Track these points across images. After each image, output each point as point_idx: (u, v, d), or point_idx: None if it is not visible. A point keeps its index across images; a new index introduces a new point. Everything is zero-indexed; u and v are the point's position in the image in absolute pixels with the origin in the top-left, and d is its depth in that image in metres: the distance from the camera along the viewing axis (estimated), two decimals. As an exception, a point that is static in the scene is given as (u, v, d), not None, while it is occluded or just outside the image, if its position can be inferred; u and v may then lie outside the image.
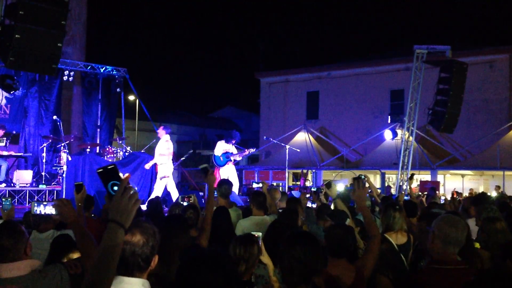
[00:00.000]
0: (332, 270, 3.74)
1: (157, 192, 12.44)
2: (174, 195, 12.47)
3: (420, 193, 12.36)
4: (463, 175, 23.43)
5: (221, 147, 13.59)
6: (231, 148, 13.66)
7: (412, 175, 13.01)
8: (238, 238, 3.96)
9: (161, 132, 12.78)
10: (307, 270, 2.87)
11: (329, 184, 7.12)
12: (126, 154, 14.92)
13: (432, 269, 3.31)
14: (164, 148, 12.59)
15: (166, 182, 12.55)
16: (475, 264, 3.90)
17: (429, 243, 3.40)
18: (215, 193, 6.62)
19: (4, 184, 12.84)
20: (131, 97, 24.07)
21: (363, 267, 3.85)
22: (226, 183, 6.98)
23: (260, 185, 7.12)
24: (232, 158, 13.51)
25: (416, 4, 52.51)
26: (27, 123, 15.45)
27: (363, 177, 4.80)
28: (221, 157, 13.47)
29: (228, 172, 13.51)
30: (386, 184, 21.30)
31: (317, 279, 3.06)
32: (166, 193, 14.69)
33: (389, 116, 18.77)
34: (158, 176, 12.62)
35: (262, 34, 64.20)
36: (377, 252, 4.01)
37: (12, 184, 13.19)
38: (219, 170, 13.70)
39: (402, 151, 15.84)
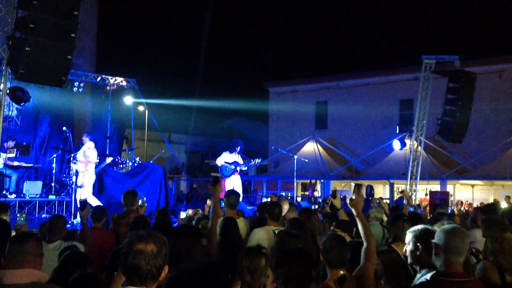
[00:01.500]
0: (332, 282, 3.76)
1: (92, 202, 11.77)
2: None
3: (419, 204, 12.25)
4: (473, 185, 23.27)
5: (223, 158, 13.57)
6: (237, 158, 13.65)
7: (402, 191, 12.96)
8: (247, 250, 3.99)
9: (84, 139, 12.45)
10: (300, 284, 2.89)
11: (334, 194, 7.14)
12: (135, 164, 14.99)
13: (438, 281, 3.30)
14: (82, 155, 12.18)
15: (85, 191, 12.01)
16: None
17: (433, 255, 3.41)
18: (222, 203, 6.65)
19: (14, 195, 12.94)
20: (141, 108, 24.20)
21: (363, 277, 3.85)
22: (234, 193, 7.02)
23: (269, 199, 7.17)
24: (238, 169, 13.50)
25: (424, 14, 52.47)
26: (37, 134, 15.59)
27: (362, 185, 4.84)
28: (227, 168, 13.47)
29: (233, 182, 13.51)
30: (396, 195, 21.22)
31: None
32: (175, 203, 14.74)
33: (397, 126, 18.74)
34: (78, 184, 12.17)
35: (271, 45, 64.35)
36: (374, 260, 3.98)
37: (22, 195, 13.28)
38: (224, 180, 13.69)
39: (411, 161, 15.78)
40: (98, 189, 13.05)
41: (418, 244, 3.97)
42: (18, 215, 5.54)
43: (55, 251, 4.98)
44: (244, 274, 3.81)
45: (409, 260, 4.06)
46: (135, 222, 5.80)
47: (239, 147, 13.64)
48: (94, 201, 11.94)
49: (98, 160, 12.60)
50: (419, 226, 4.34)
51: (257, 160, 14.10)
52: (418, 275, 3.94)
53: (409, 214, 6.90)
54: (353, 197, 4.12)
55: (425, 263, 3.92)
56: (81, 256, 4.21)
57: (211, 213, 5.10)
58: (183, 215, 8.14)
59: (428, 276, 3.76)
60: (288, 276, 2.86)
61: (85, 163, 12.06)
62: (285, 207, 7.67)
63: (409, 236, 4.07)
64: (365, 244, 4.00)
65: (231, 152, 13.62)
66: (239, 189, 13.39)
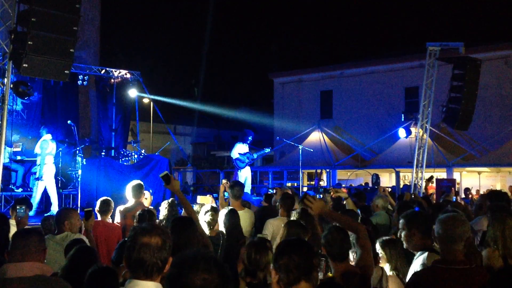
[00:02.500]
0: (337, 275, 3.75)
1: (53, 195, 11.88)
2: (54, 198, 11.94)
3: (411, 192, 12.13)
4: (479, 172, 23.20)
5: (237, 149, 13.59)
6: (247, 148, 13.69)
7: (431, 177, 12.89)
8: (252, 243, 4.00)
9: (42, 131, 12.34)
10: (300, 274, 2.88)
11: (339, 185, 7.17)
12: (141, 156, 15.03)
13: (438, 269, 3.31)
14: (38, 148, 12.02)
15: (44, 184, 11.87)
16: (475, 262, 3.87)
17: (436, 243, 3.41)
18: (226, 195, 6.69)
19: (20, 189, 13.01)
20: (145, 100, 24.23)
21: (366, 267, 3.80)
22: (238, 184, 7.05)
23: (274, 191, 7.22)
24: (251, 159, 13.59)
25: (428, 1, 52.08)
26: (43, 128, 15.64)
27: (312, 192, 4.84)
28: (241, 159, 13.49)
29: (246, 174, 13.58)
30: (402, 183, 21.17)
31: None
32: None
33: (402, 114, 18.66)
34: (37, 175, 12.01)
35: (274, 35, 64.17)
36: (369, 246, 3.89)
37: (28, 189, 13.35)
38: (237, 172, 13.74)
39: (417, 149, 15.71)
40: (104, 182, 13.10)
41: (412, 229, 3.98)
42: (18, 207, 5.56)
43: (61, 241, 5.00)
44: (249, 266, 3.83)
45: (404, 245, 4.06)
46: (142, 214, 5.81)
47: (251, 137, 13.71)
48: (55, 195, 11.93)
49: (55, 152, 12.35)
50: (410, 211, 4.37)
51: (267, 150, 14.15)
52: (415, 258, 3.95)
53: (424, 197, 6.91)
54: (311, 205, 4.00)
55: (421, 247, 3.95)
56: (88, 251, 4.22)
57: (184, 207, 5.07)
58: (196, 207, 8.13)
59: (424, 255, 3.82)
60: (289, 265, 2.85)
61: (42, 155, 11.86)
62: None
63: (401, 222, 4.07)
64: (354, 234, 3.93)
65: (243, 142, 13.66)
66: (249, 180, 13.51)
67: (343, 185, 19.04)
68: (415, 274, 3.55)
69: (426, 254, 3.85)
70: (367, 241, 3.87)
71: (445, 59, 15.54)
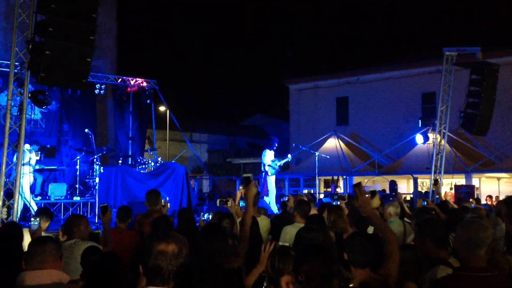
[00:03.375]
0: (356, 283, 3.68)
1: (33, 205, 11.78)
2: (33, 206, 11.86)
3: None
4: (498, 178, 22.90)
5: (269, 156, 13.67)
6: (273, 155, 13.80)
7: (436, 180, 12.78)
8: (275, 252, 3.98)
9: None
10: (323, 280, 2.85)
11: (373, 193, 7.11)
12: (157, 164, 15.09)
13: (459, 276, 3.23)
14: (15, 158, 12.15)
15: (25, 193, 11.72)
16: (503, 271, 3.78)
17: (456, 250, 3.34)
18: (241, 202, 6.67)
19: (39, 197, 13.14)
20: (162, 108, 24.37)
21: (388, 276, 3.70)
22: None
23: (286, 198, 7.19)
24: (280, 166, 13.67)
25: (445, 6, 51.79)
26: (61, 137, 15.80)
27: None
28: (272, 165, 13.55)
29: (273, 180, 13.68)
30: (419, 189, 20.98)
31: None
32: (197, 202, 14.80)
33: (420, 120, 18.51)
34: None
35: (289, 41, 64.21)
36: (397, 256, 3.76)
37: (47, 197, 13.48)
38: (266, 177, 13.78)
39: (435, 155, 15.58)
40: (121, 190, 13.17)
41: (424, 236, 3.87)
42: (32, 219, 5.57)
43: (70, 248, 5.02)
44: (272, 274, 3.80)
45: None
46: (157, 221, 5.82)
47: (276, 144, 13.79)
48: (33, 204, 11.86)
49: (33, 163, 12.38)
50: (426, 217, 4.23)
51: (289, 156, 14.21)
52: (429, 272, 3.75)
53: (439, 204, 6.82)
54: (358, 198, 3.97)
55: (435, 257, 3.82)
56: (112, 258, 4.23)
57: (244, 214, 5.03)
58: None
59: (435, 269, 3.68)
60: (311, 273, 2.82)
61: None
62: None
63: (416, 229, 3.96)
64: (385, 242, 3.84)
65: (271, 149, 13.74)
66: (274, 187, 13.63)
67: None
68: (436, 282, 3.46)
69: (438, 267, 3.69)
70: (396, 252, 3.75)
71: (462, 64, 15.43)
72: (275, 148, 13.79)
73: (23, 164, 11.72)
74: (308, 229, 4.85)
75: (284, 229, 6.23)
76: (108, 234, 5.99)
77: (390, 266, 3.73)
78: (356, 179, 24.16)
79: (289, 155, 14.35)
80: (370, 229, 5.56)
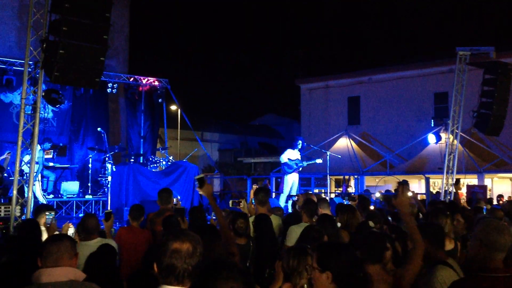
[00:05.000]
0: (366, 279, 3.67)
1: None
2: None
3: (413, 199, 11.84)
4: (511, 179, 22.72)
5: (287, 154, 13.70)
6: (298, 155, 13.80)
7: (458, 180, 12.70)
8: (293, 250, 3.98)
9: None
10: (353, 273, 2.88)
11: (367, 191, 7.09)
12: (169, 163, 15.14)
13: (478, 277, 3.19)
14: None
15: None
16: None
17: (472, 250, 3.31)
18: (253, 201, 6.67)
19: (52, 195, 13.23)
20: (173, 107, 24.44)
21: (402, 279, 3.69)
22: (263, 190, 7.02)
23: (296, 198, 7.18)
24: (299, 166, 13.65)
25: (458, 5, 51.41)
26: (73, 136, 15.90)
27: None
28: (289, 164, 13.57)
29: (293, 179, 13.67)
30: (431, 190, 20.85)
31: None
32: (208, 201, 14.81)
33: (432, 120, 18.40)
34: None
35: (301, 41, 64.10)
36: (419, 263, 3.78)
37: (59, 195, 13.57)
38: (284, 176, 13.86)
39: (447, 155, 15.47)
40: (133, 188, 13.23)
41: (423, 239, 3.90)
42: (47, 213, 5.67)
43: (96, 247, 5.07)
44: (288, 272, 3.80)
45: None
46: (168, 220, 5.85)
47: (300, 142, 13.81)
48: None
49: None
50: (423, 222, 4.27)
51: (318, 160, 14.19)
52: (429, 272, 3.83)
53: (448, 203, 6.79)
54: (399, 196, 3.94)
55: (432, 259, 3.92)
56: (108, 250, 4.28)
57: (216, 215, 5.05)
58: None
59: (434, 269, 3.81)
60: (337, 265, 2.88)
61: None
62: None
63: None
64: (411, 245, 3.86)
65: (293, 148, 13.77)
66: (296, 186, 13.63)
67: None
68: (455, 283, 3.44)
69: (437, 267, 3.84)
70: (419, 258, 3.77)
71: (475, 64, 15.31)
72: (298, 147, 13.83)
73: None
74: (310, 228, 4.86)
75: (290, 229, 6.21)
76: (110, 237, 6.11)
77: (410, 268, 3.74)
78: (367, 179, 24.08)
79: (318, 159, 14.35)
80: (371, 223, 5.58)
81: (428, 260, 3.91)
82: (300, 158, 13.76)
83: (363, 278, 3.06)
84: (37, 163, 11.91)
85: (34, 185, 11.72)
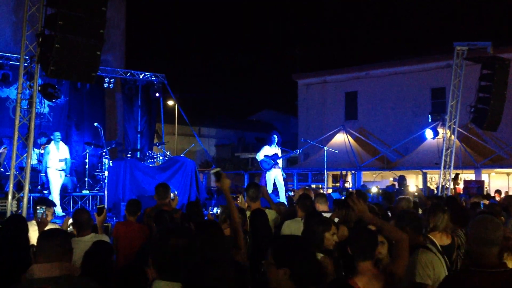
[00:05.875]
0: (358, 276, 3.67)
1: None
2: None
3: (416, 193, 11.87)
4: (508, 174, 22.77)
5: (263, 152, 13.56)
6: (276, 150, 13.62)
7: (457, 174, 12.71)
8: None
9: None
10: (310, 269, 2.85)
11: (364, 186, 7.10)
12: (166, 158, 15.11)
13: (470, 272, 3.22)
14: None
15: None
16: None
17: (468, 246, 3.33)
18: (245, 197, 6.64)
19: (47, 191, 13.19)
20: (170, 102, 24.39)
21: (394, 276, 3.69)
22: (253, 186, 6.99)
23: (292, 193, 7.17)
24: (279, 162, 13.49)
25: (455, 0, 51.37)
26: (70, 130, 15.85)
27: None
28: (266, 161, 13.44)
29: (274, 175, 13.49)
30: (429, 185, 20.89)
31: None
32: (206, 196, 14.81)
33: (429, 115, 18.42)
34: None
35: (298, 36, 64.01)
36: (407, 257, 3.81)
37: (56, 190, 13.53)
38: (265, 174, 13.72)
39: (444, 150, 15.48)
40: (130, 183, 13.21)
41: (403, 226, 4.18)
42: (38, 207, 5.64)
43: (90, 243, 5.04)
44: None
45: None
46: (160, 215, 5.85)
47: (276, 138, 13.64)
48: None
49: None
50: (402, 211, 4.49)
51: (297, 152, 14.10)
52: (412, 256, 4.04)
53: (446, 198, 6.79)
54: (355, 207, 3.94)
55: (414, 243, 4.13)
56: (104, 246, 4.26)
57: (228, 208, 5.05)
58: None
59: (416, 252, 4.11)
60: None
61: None
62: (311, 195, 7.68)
63: (392, 222, 4.13)
64: (396, 242, 3.86)
65: (270, 145, 13.61)
66: (280, 181, 13.44)
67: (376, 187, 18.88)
68: (447, 277, 3.46)
69: (419, 251, 4.12)
70: (406, 251, 3.80)
71: (473, 59, 15.30)
72: (274, 142, 13.64)
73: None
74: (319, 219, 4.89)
75: (284, 224, 6.20)
76: (101, 230, 6.12)
77: (399, 263, 3.75)
78: (364, 174, 24.12)
79: (297, 151, 14.29)
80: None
81: (410, 245, 3.96)
82: (278, 153, 13.59)
83: (321, 274, 3.03)
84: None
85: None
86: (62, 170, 12.44)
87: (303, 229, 5.01)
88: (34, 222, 5.77)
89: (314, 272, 2.89)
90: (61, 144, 12.72)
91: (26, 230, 5.19)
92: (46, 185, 13.37)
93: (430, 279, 4.03)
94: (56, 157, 12.42)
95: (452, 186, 15.17)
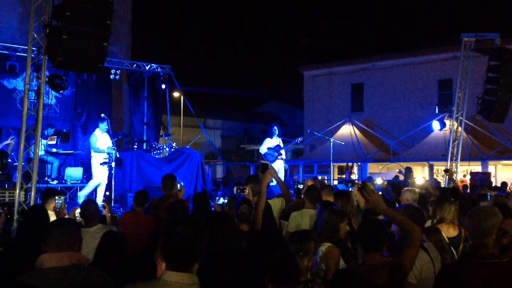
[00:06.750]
0: (365, 267, 3.69)
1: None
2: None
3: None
4: (515, 166, 22.71)
5: (266, 144, 13.57)
6: (278, 141, 13.63)
7: (446, 169, 12.74)
8: (296, 235, 3.99)
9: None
10: (284, 266, 2.88)
11: (370, 178, 7.10)
12: (172, 150, 15.13)
13: (467, 262, 3.24)
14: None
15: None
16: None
17: (469, 237, 3.34)
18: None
19: (56, 181, 13.25)
20: (176, 94, 24.38)
21: (402, 265, 3.72)
22: (252, 180, 6.99)
23: (302, 186, 7.16)
24: (282, 152, 13.51)
25: (463, -9, 50.94)
26: (76, 122, 15.88)
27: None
28: (270, 153, 13.44)
29: (277, 168, 13.47)
30: (435, 177, 20.83)
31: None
32: (212, 187, 14.84)
33: (436, 107, 18.36)
34: None
35: (304, 27, 63.74)
36: (417, 248, 3.84)
37: (63, 181, 13.60)
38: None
39: (451, 142, 15.45)
40: (136, 174, 13.24)
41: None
42: (56, 197, 5.70)
43: (96, 234, 5.06)
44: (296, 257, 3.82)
45: None
46: (172, 206, 5.86)
47: (277, 130, 13.64)
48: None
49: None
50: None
51: (299, 139, 14.09)
52: None
53: (451, 190, 6.79)
54: (368, 198, 3.95)
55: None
56: (117, 237, 4.28)
57: (258, 199, 5.06)
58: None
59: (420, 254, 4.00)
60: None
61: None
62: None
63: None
64: (408, 233, 3.86)
65: (271, 137, 13.62)
66: (281, 173, 13.47)
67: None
68: (445, 267, 3.48)
69: None
70: (416, 243, 3.82)
71: (480, 50, 15.22)
72: (275, 134, 13.64)
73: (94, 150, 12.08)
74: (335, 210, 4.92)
75: (291, 215, 6.20)
76: (110, 220, 6.20)
77: (408, 256, 3.77)
78: (370, 166, 24.08)
79: (299, 139, 14.29)
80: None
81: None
82: (280, 145, 13.60)
83: (294, 270, 3.05)
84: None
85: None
86: (107, 160, 12.50)
87: (318, 220, 5.04)
88: (52, 212, 5.82)
89: (289, 270, 2.90)
90: (106, 134, 12.78)
91: (47, 220, 5.23)
92: (52, 176, 13.43)
93: (416, 278, 3.99)
94: (104, 146, 12.47)
95: (458, 178, 15.16)
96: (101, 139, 12.54)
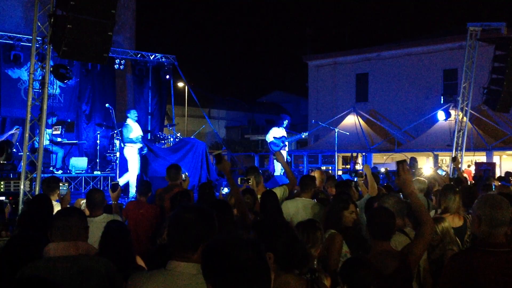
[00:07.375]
0: (374, 255, 3.69)
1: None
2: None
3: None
4: (520, 156, 22.64)
5: (272, 133, 13.60)
6: (284, 132, 13.67)
7: (454, 157, 12.68)
8: (300, 224, 3.99)
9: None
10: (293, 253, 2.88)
11: (375, 168, 7.10)
12: (176, 140, 15.14)
13: (477, 250, 3.22)
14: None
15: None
16: None
17: (474, 227, 3.30)
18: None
19: (60, 171, 13.29)
20: (180, 84, 24.35)
21: (411, 254, 3.72)
22: (252, 169, 7.00)
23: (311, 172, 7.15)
24: (286, 143, 13.55)
25: (469, -20, 50.53)
26: (81, 112, 15.90)
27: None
28: (276, 142, 13.49)
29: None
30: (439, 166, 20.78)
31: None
32: (217, 177, 14.86)
33: (442, 97, 18.28)
34: None
35: (309, 17, 63.47)
36: (428, 239, 3.82)
37: (68, 171, 13.64)
38: (272, 155, 13.83)
39: (456, 132, 15.39)
40: (142, 165, 13.27)
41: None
42: (61, 184, 5.71)
43: (101, 224, 5.07)
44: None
45: None
46: (175, 197, 5.87)
47: (286, 121, 13.69)
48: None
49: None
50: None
51: (304, 134, 14.14)
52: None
53: (454, 180, 6.78)
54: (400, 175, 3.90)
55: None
56: (119, 226, 4.29)
57: (231, 190, 5.08)
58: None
59: (395, 237, 4.09)
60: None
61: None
62: (322, 177, 7.69)
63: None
64: (421, 223, 3.84)
65: (279, 126, 13.67)
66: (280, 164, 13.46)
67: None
68: (454, 256, 3.46)
69: (395, 234, 4.12)
70: (427, 235, 3.80)
71: (486, 40, 15.12)
72: (284, 125, 13.71)
73: (125, 141, 12.08)
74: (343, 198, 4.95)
75: (284, 203, 6.18)
76: (117, 209, 6.20)
77: (419, 246, 3.76)
78: (375, 156, 24.05)
79: (304, 133, 14.32)
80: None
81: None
82: (286, 136, 13.69)
83: (304, 257, 3.05)
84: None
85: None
86: (138, 149, 12.50)
87: (327, 209, 5.10)
88: (56, 203, 5.83)
89: (297, 256, 2.90)
90: (136, 123, 12.75)
91: (51, 209, 5.25)
92: (57, 166, 13.47)
93: None
94: (135, 135, 12.46)
95: (463, 168, 15.12)
96: (136, 129, 12.47)
